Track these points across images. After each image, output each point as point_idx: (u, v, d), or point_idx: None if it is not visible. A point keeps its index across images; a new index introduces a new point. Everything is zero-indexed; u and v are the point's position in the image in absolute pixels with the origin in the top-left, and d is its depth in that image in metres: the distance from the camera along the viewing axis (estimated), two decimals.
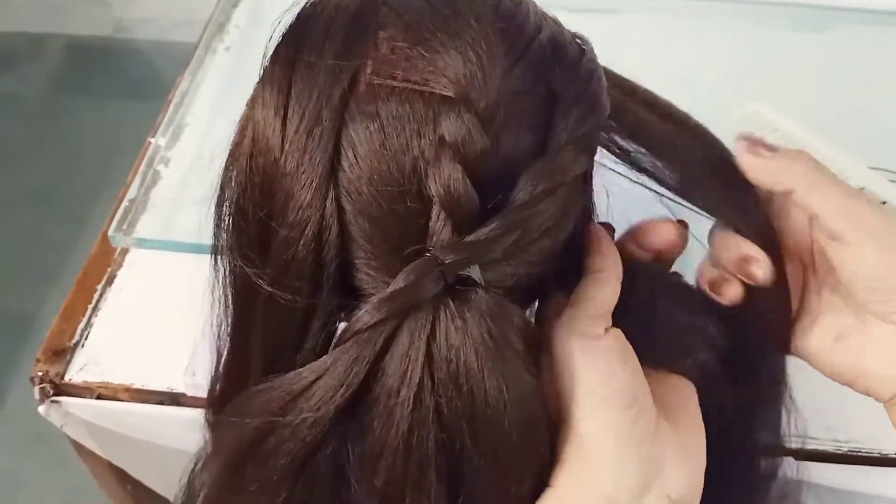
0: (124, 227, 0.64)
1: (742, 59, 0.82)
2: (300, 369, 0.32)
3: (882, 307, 0.37)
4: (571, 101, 0.33)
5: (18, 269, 1.49)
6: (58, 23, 1.98)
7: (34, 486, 1.25)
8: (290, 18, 0.35)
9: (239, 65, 0.79)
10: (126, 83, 1.85)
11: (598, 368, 0.33)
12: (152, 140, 0.71)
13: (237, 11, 0.86)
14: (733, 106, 0.73)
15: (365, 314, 0.31)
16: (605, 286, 0.35)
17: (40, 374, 0.57)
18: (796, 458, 0.52)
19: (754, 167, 0.37)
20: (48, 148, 1.70)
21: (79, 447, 0.63)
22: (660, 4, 0.86)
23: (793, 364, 0.57)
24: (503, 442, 0.31)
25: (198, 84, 0.77)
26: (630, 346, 0.34)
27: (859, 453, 0.53)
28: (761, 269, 0.37)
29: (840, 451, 0.53)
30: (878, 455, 0.53)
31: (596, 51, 0.37)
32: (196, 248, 0.61)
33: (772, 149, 0.38)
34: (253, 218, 0.34)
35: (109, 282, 0.63)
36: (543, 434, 0.33)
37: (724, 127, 0.73)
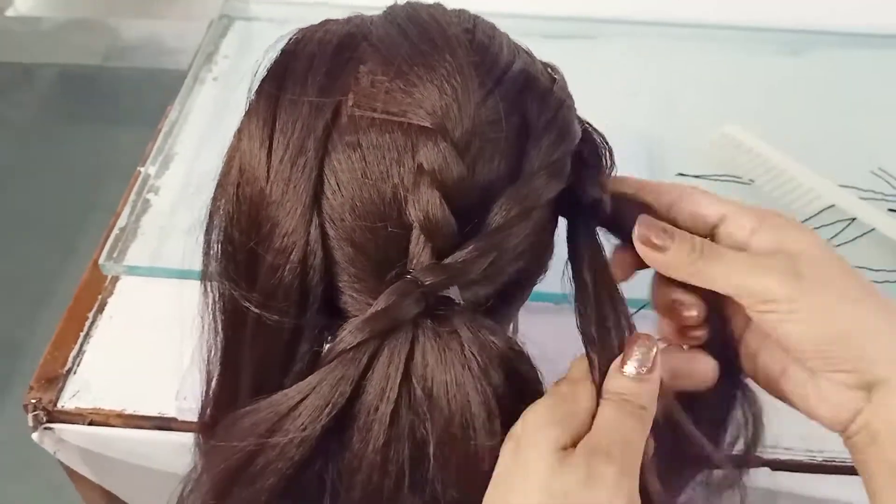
0: (115, 255, 0.65)
1: (721, 82, 0.83)
2: (286, 390, 0.33)
3: (821, 367, 0.34)
4: (543, 128, 0.35)
5: (8, 294, 1.48)
6: (50, 52, 1.99)
7: None
8: (274, 54, 0.36)
9: (227, 94, 0.80)
10: (116, 110, 1.86)
11: None
12: (142, 169, 0.72)
13: (225, 41, 0.87)
14: (711, 127, 0.75)
15: (348, 335, 0.32)
16: None
17: (33, 401, 0.57)
18: (771, 468, 0.53)
19: (655, 263, 0.36)
20: (40, 174, 1.70)
21: (71, 473, 0.63)
22: (637, 30, 0.87)
23: None
24: (466, 463, 0.32)
25: (186, 113, 0.78)
26: None
27: (833, 463, 0.54)
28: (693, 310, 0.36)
29: (814, 461, 0.54)
30: (853, 465, 0.53)
31: (576, 75, 0.38)
32: (185, 275, 0.61)
33: (666, 234, 0.35)
34: (240, 245, 0.35)
35: (100, 309, 0.63)
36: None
37: (700, 147, 0.75)
